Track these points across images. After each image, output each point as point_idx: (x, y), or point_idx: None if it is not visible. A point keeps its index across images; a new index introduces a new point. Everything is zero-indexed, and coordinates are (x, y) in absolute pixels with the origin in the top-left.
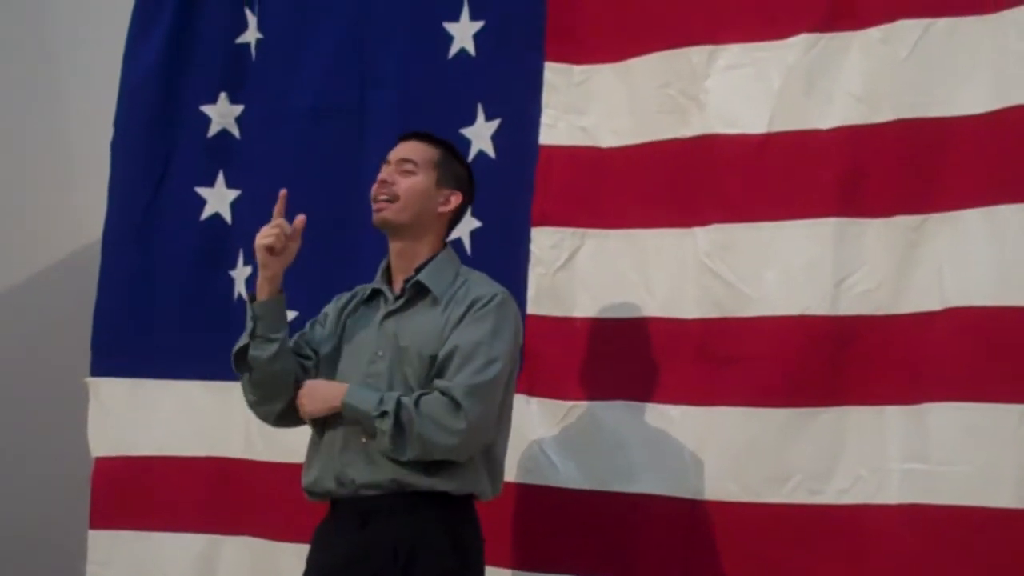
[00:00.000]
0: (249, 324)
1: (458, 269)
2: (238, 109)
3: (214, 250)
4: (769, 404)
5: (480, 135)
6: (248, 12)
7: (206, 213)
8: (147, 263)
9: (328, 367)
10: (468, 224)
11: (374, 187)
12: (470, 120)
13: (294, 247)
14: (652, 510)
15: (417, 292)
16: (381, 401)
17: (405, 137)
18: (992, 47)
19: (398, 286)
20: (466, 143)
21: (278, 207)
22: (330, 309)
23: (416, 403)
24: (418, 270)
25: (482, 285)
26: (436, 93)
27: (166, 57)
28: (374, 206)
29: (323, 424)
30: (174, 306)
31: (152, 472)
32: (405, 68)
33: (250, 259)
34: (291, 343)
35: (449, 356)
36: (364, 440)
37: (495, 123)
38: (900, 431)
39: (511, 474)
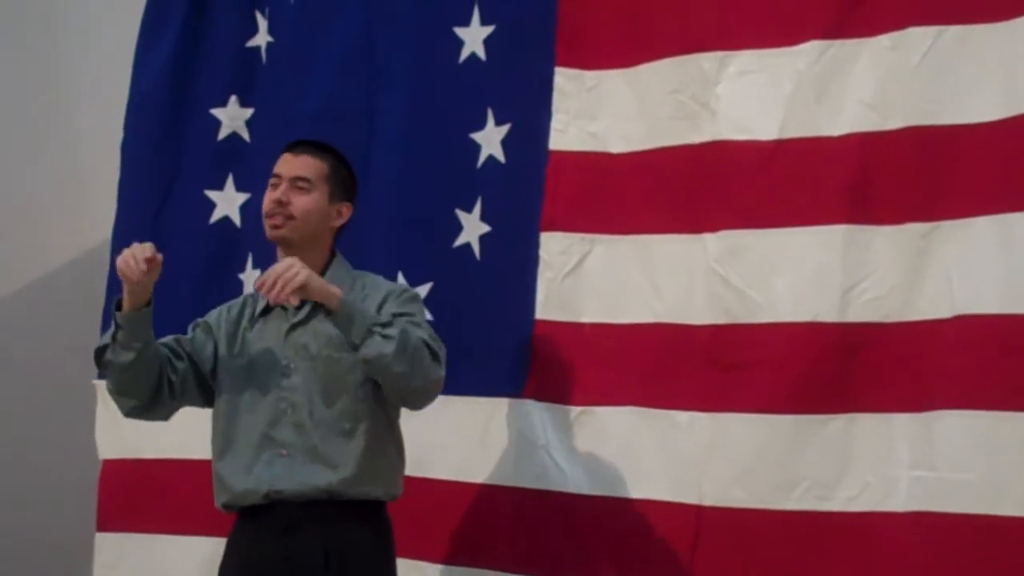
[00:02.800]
0: (112, 329)
1: (352, 275)
2: (248, 112)
3: (223, 253)
4: (777, 411)
5: (490, 140)
6: (259, 16)
7: (215, 216)
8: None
9: (231, 378)
10: (477, 228)
11: (267, 203)
12: (480, 125)
13: (158, 268)
14: (660, 516)
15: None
16: (378, 312)
17: (294, 148)
18: (1003, 55)
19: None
20: (476, 148)
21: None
22: (216, 318)
23: (409, 325)
24: None
25: (382, 283)
26: (446, 97)
27: (176, 60)
28: (267, 222)
29: (236, 414)
30: (183, 309)
31: (159, 475)
32: (415, 72)
33: (259, 262)
34: (164, 342)
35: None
36: (284, 453)
37: (505, 128)
38: (908, 438)
39: (519, 479)
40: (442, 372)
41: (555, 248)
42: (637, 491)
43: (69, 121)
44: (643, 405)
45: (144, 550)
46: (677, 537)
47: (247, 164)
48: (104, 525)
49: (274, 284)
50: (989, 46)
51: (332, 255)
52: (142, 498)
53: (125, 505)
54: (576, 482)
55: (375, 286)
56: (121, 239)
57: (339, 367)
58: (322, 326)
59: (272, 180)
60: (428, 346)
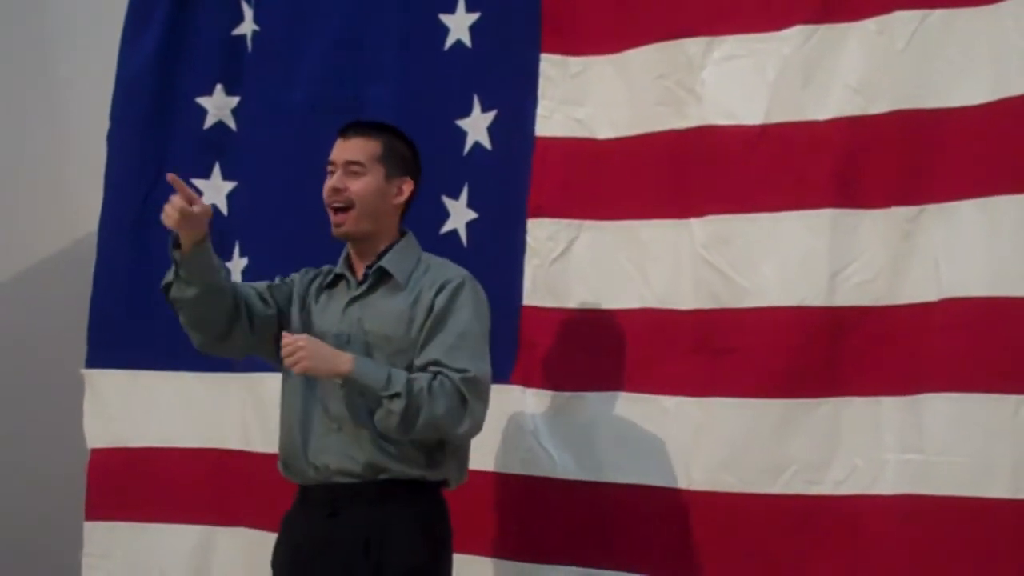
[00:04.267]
0: (173, 266)
1: (420, 255)
2: (234, 101)
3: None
4: (765, 395)
5: (476, 127)
6: (244, 4)
7: None
8: (143, 255)
9: None
10: (464, 215)
11: (325, 192)
12: (466, 112)
13: (201, 215)
14: (648, 501)
15: (380, 278)
16: (389, 379)
17: (345, 134)
18: (989, 38)
19: (360, 272)
20: (462, 135)
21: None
22: (297, 281)
23: (429, 389)
24: (380, 256)
25: (446, 269)
26: (432, 85)
27: (162, 49)
28: (332, 217)
29: (302, 388)
30: None
31: (148, 464)
32: (401, 60)
33: (246, 251)
34: (256, 286)
35: (437, 329)
36: (336, 427)
37: (491, 115)
38: (896, 422)
39: (507, 465)
40: (467, 423)
41: (542, 234)
42: (625, 476)
43: (54, 111)
44: (631, 390)
45: (133, 538)
46: (666, 522)
47: (233, 153)
48: (93, 514)
49: (289, 355)
50: (975, 29)
51: (401, 235)
52: (131, 487)
53: (114, 494)
54: (564, 467)
55: (434, 274)
56: (108, 228)
57: (391, 344)
58: (380, 302)
59: (328, 168)
60: (459, 391)
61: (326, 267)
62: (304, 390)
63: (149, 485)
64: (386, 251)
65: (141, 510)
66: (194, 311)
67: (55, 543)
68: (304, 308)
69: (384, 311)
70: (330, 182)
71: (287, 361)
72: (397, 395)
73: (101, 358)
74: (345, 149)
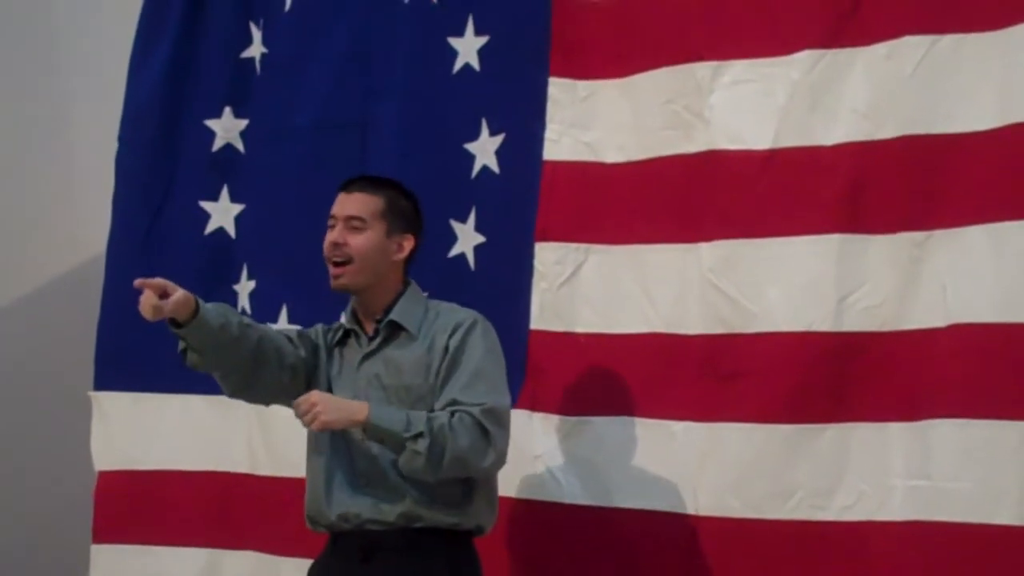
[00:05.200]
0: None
1: (426, 304)
2: (242, 123)
3: (218, 264)
4: (772, 420)
5: (484, 150)
6: (253, 27)
7: (210, 227)
8: (151, 277)
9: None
10: (472, 239)
11: (326, 247)
12: (474, 135)
13: (175, 305)
14: (655, 526)
15: (391, 331)
16: (409, 420)
17: (347, 188)
18: (998, 64)
19: (370, 327)
20: (470, 158)
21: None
22: (320, 333)
23: (450, 425)
24: (387, 310)
25: (456, 313)
26: (440, 108)
27: (171, 71)
28: (331, 270)
29: (328, 446)
30: None
31: (155, 486)
32: (409, 83)
33: (254, 273)
34: (284, 334)
35: (452, 370)
36: (363, 482)
37: (499, 138)
38: (903, 448)
39: (514, 490)
40: (492, 455)
41: (549, 258)
42: (632, 501)
43: (64, 132)
44: (638, 415)
45: (140, 561)
46: (673, 547)
47: (242, 175)
48: (100, 536)
49: (304, 414)
50: (983, 55)
51: (405, 286)
52: (138, 509)
53: (121, 516)
54: (571, 492)
55: (448, 315)
56: (116, 250)
57: (411, 396)
58: (395, 354)
59: (329, 221)
60: (479, 424)
61: (336, 324)
62: (330, 449)
63: (156, 508)
64: (393, 303)
65: (148, 533)
66: (216, 368)
67: (61, 566)
68: (325, 374)
69: (401, 362)
70: (331, 236)
71: (304, 420)
72: (420, 435)
73: (109, 380)
74: (347, 204)
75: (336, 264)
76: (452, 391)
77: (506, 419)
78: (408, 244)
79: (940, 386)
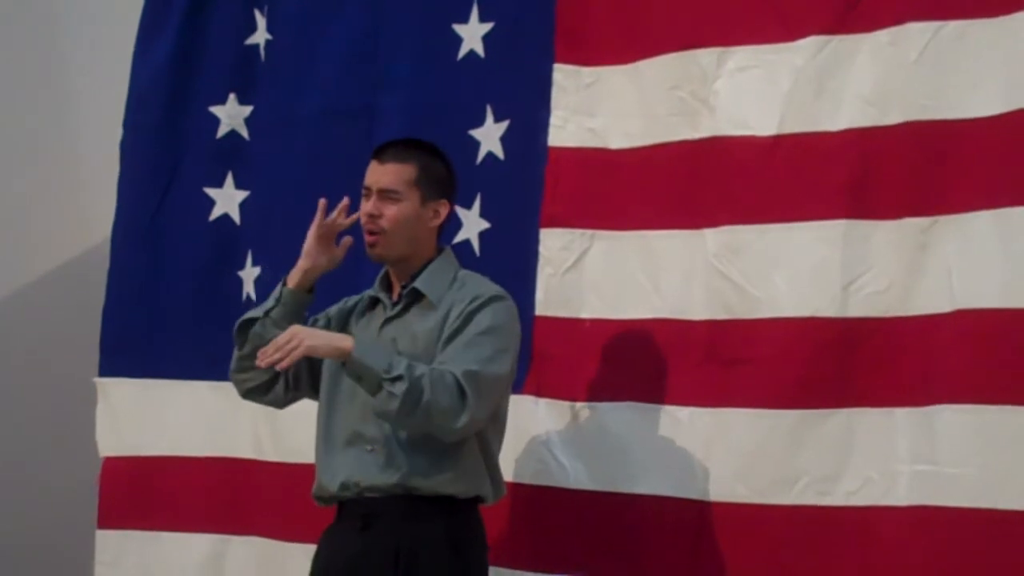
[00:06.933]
0: (270, 303)
1: (456, 272)
2: (247, 110)
3: (223, 251)
4: (778, 406)
5: (489, 136)
6: (258, 13)
7: (215, 214)
8: (156, 263)
9: (330, 373)
10: (477, 225)
11: (363, 218)
12: (479, 122)
13: (339, 254)
14: (660, 512)
15: (414, 298)
16: (391, 363)
17: (380, 156)
18: (1002, 50)
19: (396, 293)
20: (475, 145)
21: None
22: (334, 312)
23: (430, 376)
24: (415, 276)
25: (481, 285)
26: (445, 95)
27: (175, 58)
28: (366, 239)
29: (325, 413)
30: (183, 307)
31: (160, 472)
32: (414, 69)
33: (259, 260)
34: None
35: (451, 338)
36: (370, 449)
37: (504, 124)
38: (909, 433)
39: (520, 475)
40: (464, 418)
41: (555, 244)
42: (638, 487)
43: (68, 119)
44: (643, 401)
45: (145, 547)
46: (678, 533)
47: (246, 162)
48: (105, 522)
49: (274, 353)
50: (988, 41)
51: (438, 252)
52: (142, 495)
53: (126, 502)
54: (577, 478)
55: (472, 287)
56: (121, 236)
57: (423, 363)
58: (413, 321)
59: (363, 191)
60: (458, 385)
61: (366, 293)
62: (327, 415)
63: (161, 494)
64: (421, 270)
65: (153, 519)
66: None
67: (67, 551)
68: (345, 330)
69: (417, 331)
70: (365, 207)
71: (287, 348)
72: (399, 378)
73: (114, 367)
74: (380, 174)
75: (372, 233)
76: (444, 355)
77: (489, 388)
78: (444, 210)
79: (946, 372)
